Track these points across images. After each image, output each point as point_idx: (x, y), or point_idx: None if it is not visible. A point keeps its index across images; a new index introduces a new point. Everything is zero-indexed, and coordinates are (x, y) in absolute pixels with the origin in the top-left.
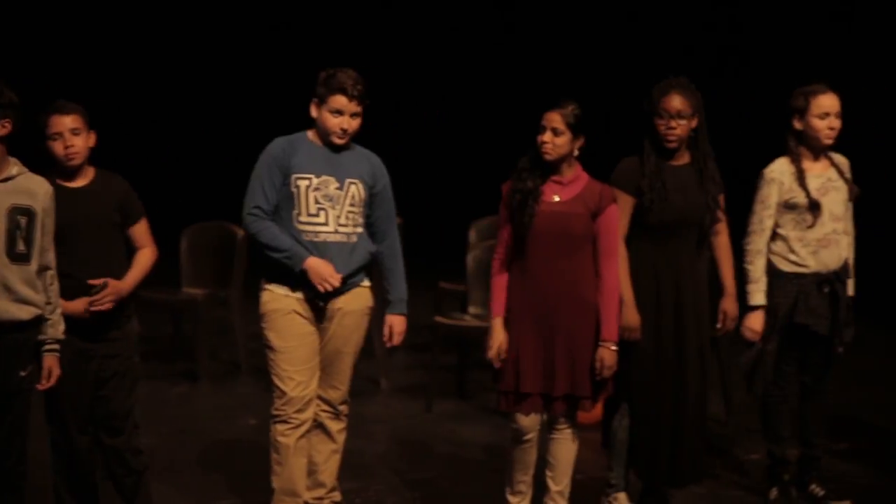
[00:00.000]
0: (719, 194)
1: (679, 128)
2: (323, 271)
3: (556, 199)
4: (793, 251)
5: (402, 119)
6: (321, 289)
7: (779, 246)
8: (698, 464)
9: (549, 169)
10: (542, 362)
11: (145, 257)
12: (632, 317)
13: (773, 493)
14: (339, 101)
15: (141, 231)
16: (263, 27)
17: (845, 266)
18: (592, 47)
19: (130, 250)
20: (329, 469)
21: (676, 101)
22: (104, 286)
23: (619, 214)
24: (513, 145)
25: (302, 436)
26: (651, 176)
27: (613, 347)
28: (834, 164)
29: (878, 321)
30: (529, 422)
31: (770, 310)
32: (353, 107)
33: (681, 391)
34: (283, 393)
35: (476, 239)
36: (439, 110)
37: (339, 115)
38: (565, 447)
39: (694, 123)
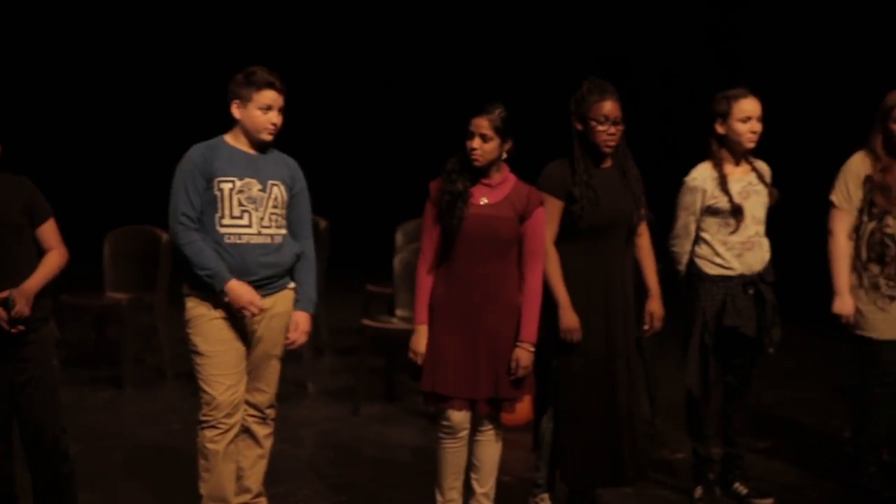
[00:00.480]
0: (642, 193)
1: (617, 133)
2: (244, 297)
3: (485, 201)
4: (718, 255)
5: (328, 122)
6: (242, 314)
7: (704, 250)
8: (641, 461)
9: (478, 171)
10: (466, 364)
11: (52, 259)
12: (570, 318)
13: (698, 491)
14: (269, 95)
15: (48, 231)
16: (176, 28)
17: (769, 268)
18: (517, 50)
19: (42, 253)
20: (255, 474)
21: (613, 107)
22: (9, 299)
23: (545, 217)
24: (439, 148)
25: (231, 441)
26: (583, 181)
27: (531, 349)
28: (755, 169)
29: (797, 321)
30: (460, 418)
31: (697, 312)
32: (281, 101)
33: (612, 392)
34: (212, 398)
35: (403, 242)
36: (366, 113)
37: (269, 110)
38: (490, 449)
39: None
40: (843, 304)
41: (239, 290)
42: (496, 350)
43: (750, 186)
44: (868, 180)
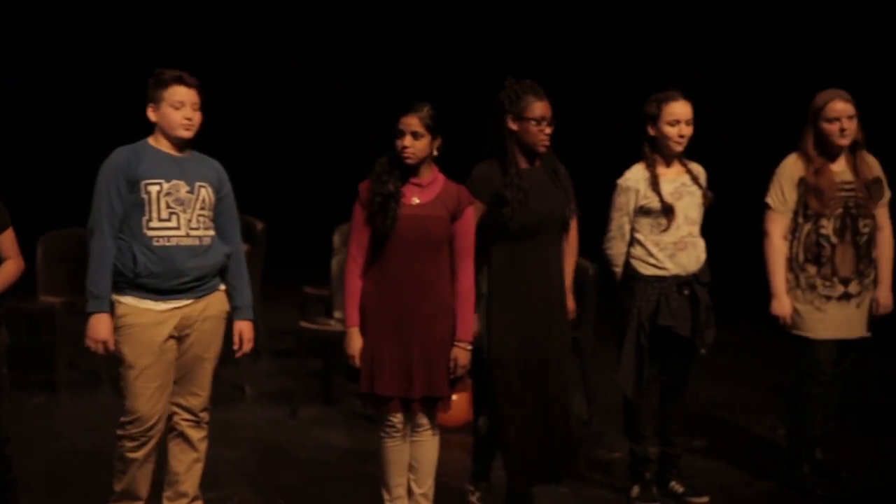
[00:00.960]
0: (572, 190)
1: (550, 133)
2: (100, 334)
3: (416, 201)
4: (651, 255)
5: (264, 124)
6: (89, 346)
7: (638, 251)
8: (575, 459)
9: (408, 171)
10: (401, 365)
11: (9, 268)
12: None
13: (635, 490)
14: (178, 91)
15: (6, 241)
16: (109, 30)
17: (704, 268)
18: (445, 49)
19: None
20: (191, 478)
21: (547, 107)
22: None
23: (474, 215)
24: (375, 148)
25: (151, 449)
26: (514, 183)
27: (468, 347)
28: (688, 171)
29: (733, 321)
30: (399, 418)
31: (632, 313)
32: (194, 96)
33: (545, 391)
34: (135, 410)
35: (340, 243)
36: (302, 114)
37: (182, 106)
38: (427, 449)
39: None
40: (781, 305)
41: (100, 325)
42: (430, 350)
43: (683, 188)
44: (802, 182)
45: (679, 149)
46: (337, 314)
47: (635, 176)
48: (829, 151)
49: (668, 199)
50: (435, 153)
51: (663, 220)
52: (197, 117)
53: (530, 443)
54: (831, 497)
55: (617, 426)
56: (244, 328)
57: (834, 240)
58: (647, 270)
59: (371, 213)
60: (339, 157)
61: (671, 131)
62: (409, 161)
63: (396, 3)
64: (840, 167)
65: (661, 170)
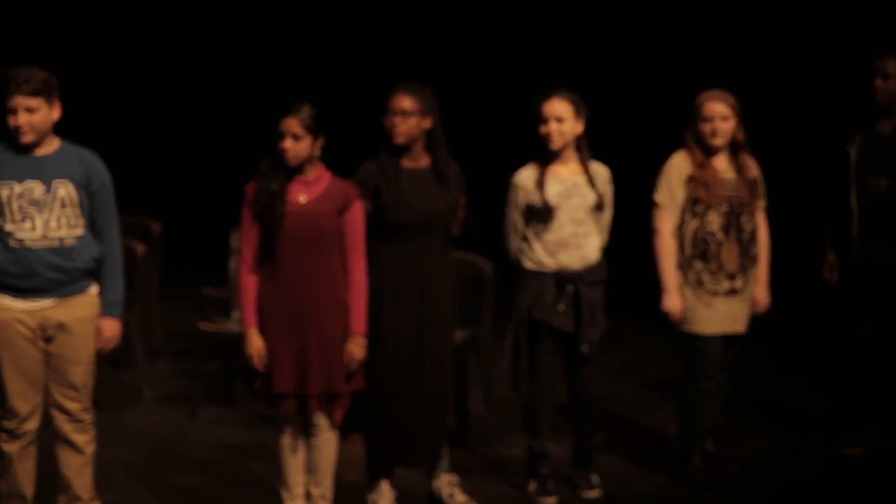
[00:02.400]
0: (461, 196)
1: (404, 124)
2: None
3: (303, 198)
4: (533, 251)
5: (160, 122)
6: None
7: (524, 246)
8: (434, 443)
9: (293, 169)
10: (297, 362)
11: None
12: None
13: (532, 486)
14: (11, 98)
15: None
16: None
17: (595, 267)
18: (333, 49)
19: None
20: (83, 483)
21: (402, 100)
22: None
23: (363, 210)
24: (273, 148)
25: (29, 444)
26: (386, 177)
27: (362, 342)
28: (586, 171)
29: (624, 317)
30: (296, 416)
31: (515, 307)
32: (26, 101)
33: (417, 386)
34: (9, 406)
35: (238, 244)
36: (198, 113)
37: (14, 112)
38: (325, 449)
39: (426, 124)
40: (672, 301)
41: None
42: (326, 346)
43: (574, 188)
44: (690, 179)
45: (555, 146)
46: (235, 315)
47: (524, 174)
48: (707, 150)
49: (553, 198)
50: (317, 153)
51: (545, 218)
52: (30, 120)
53: (394, 425)
54: (722, 489)
55: (515, 423)
56: (105, 325)
57: (720, 236)
58: (528, 265)
59: (258, 213)
60: (238, 156)
61: (544, 129)
62: (291, 163)
63: (292, 2)
64: (722, 165)
65: (556, 168)
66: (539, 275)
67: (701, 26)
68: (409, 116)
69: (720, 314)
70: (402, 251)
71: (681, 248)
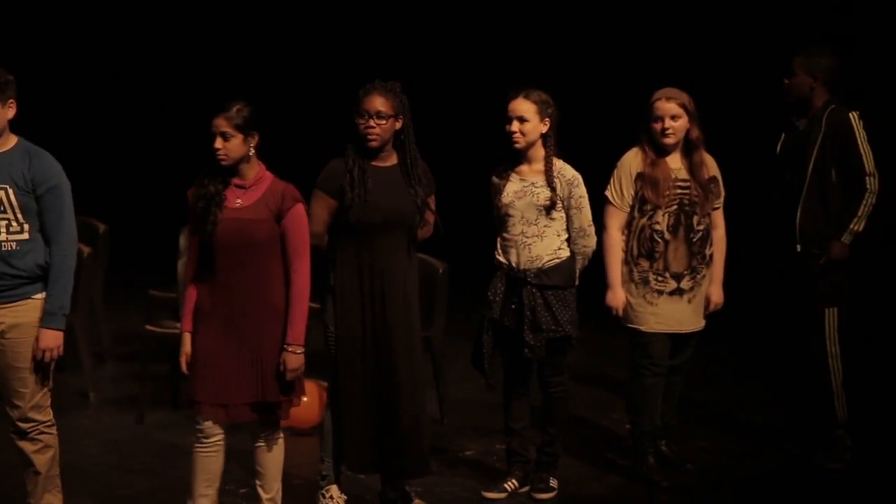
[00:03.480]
0: (429, 196)
1: (378, 128)
2: None
3: (239, 203)
4: (496, 247)
5: (109, 122)
6: None
7: (497, 243)
8: (423, 458)
9: (231, 172)
10: (227, 370)
11: None
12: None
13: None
14: None
15: None
16: None
17: (550, 270)
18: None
19: None
20: (37, 494)
21: (376, 102)
22: None
23: (307, 214)
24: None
25: None
26: (352, 177)
27: (298, 351)
28: (546, 171)
29: (585, 318)
30: (212, 424)
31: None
32: None
33: (390, 389)
34: None
35: (185, 245)
36: (146, 113)
37: None
38: (269, 454)
39: (398, 125)
40: (615, 296)
41: None
42: (261, 354)
43: (531, 187)
44: (639, 176)
45: (516, 146)
46: None
47: (497, 172)
48: (659, 148)
49: (509, 197)
50: (252, 152)
51: (504, 216)
52: None
53: (363, 430)
54: (676, 488)
55: (470, 424)
56: (44, 337)
57: (667, 235)
58: (496, 261)
59: (196, 219)
60: (187, 156)
61: (508, 128)
62: (223, 163)
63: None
64: (676, 164)
65: (522, 168)
66: (497, 272)
67: (676, 25)
68: (383, 119)
69: (665, 313)
70: (366, 251)
71: (628, 245)
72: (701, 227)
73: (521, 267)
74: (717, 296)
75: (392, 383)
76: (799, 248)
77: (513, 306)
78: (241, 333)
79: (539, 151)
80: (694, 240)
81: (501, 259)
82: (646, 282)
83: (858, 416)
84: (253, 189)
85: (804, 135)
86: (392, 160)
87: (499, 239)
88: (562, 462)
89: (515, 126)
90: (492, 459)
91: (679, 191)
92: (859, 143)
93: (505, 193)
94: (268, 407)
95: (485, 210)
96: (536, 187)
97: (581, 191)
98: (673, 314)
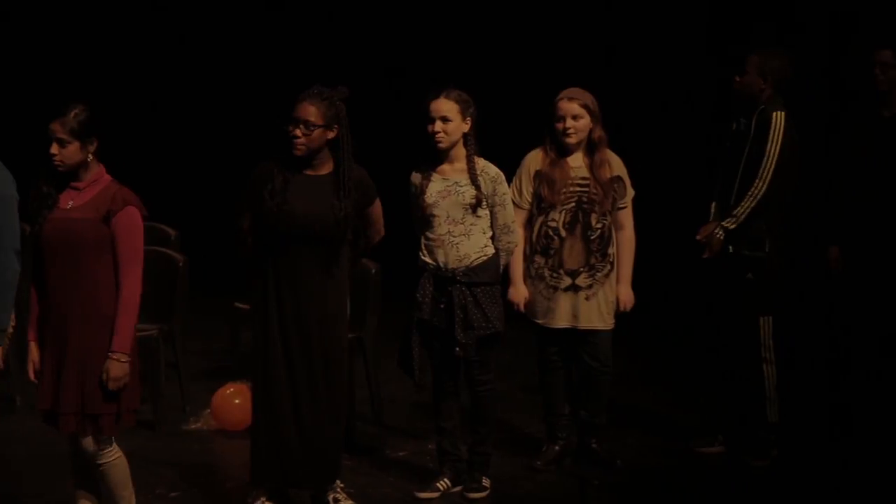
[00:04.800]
0: (365, 206)
1: (304, 137)
2: None
3: (71, 204)
4: (421, 248)
5: (24, 126)
6: None
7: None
8: (331, 465)
9: (69, 175)
10: (53, 377)
11: None
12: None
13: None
14: None
15: None
16: None
17: (475, 268)
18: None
19: None
20: None
21: (306, 111)
22: None
23: (139, 219)
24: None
25: None
26: (274, 184)
27: (123, 359)
28: (470, 170)
29: (510, 319)
30: (71, 436)
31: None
32: None
33: (299, 402)
34: None
35: None
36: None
37: None
38: (103, 472)
39: (330, 135)
40: (517, 292)
41: None
42: (85, 363)
43: (455, 186)
44: (538, 175)
45: (440, 146)
46: None
47: (416, 172)
48: (562, 148)
49: (433, 197)
50: (90, 158)
51: (427, 216)
52: None
53: (280, 445)
54: (607, 485)
55: (403, 424)
56: None
57: (563, 233)
58: (420, 262)
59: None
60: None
61: (430, 128)
62: (59, 169)
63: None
64: (577, 163)
65: (444, 167)
66: (423, 272)
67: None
68: (311, 128)
69: (561, 309)
70: (283, 261)
71: (528, 241)
72: (599, 226)
73: (450, 266)
74: (625, 296)
75: (302, 396)
76: (731, 248)
77: (441, 306)
78: (66, 340)
79: (461, 150)
80: (591, 238)
81: (427, 259)
82: (541, 277)
83: (786, 414)
84: (87, 190)
85: (743, 134)
86: (327, 169)
87: (422, 239)
88: (494, 461)
89: (439, 126)
90: (425, 459)
91: (577, 188)
92: (769, 144)
93: (428, 194)
94: (91, 420)
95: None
96: (461, 186)
97: (505, 188)
98: (569, 310)
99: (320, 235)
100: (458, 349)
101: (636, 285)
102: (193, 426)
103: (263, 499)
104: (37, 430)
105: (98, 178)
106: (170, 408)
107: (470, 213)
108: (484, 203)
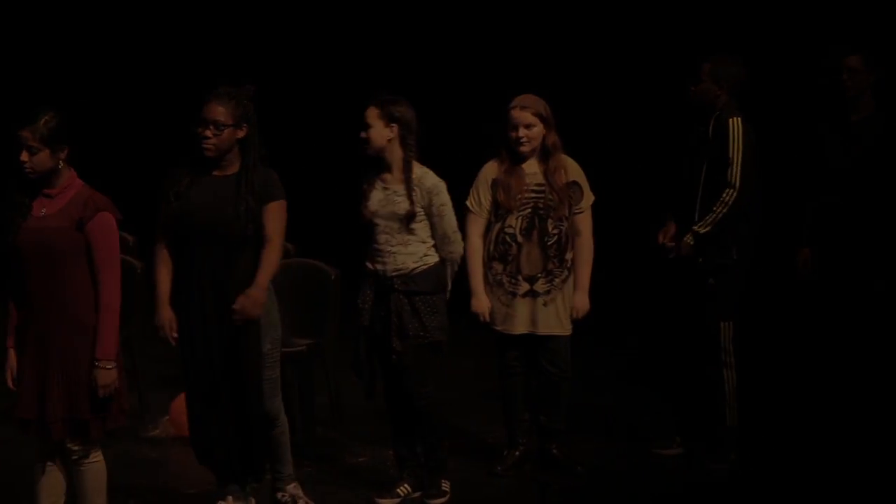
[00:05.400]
0: (265, 203)
1: (214, 138)
2: None
3: (44, 212)
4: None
5: None
6: None
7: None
8: (255, 463)
9: (41, 182)
10: (38, 386)
11: None
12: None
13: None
14: None
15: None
16: None
17: (414, 277)
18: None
19: None
20: None
21: (214, 111)
22: None
23: (112, 224)
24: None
25: None
26: (178, 187)
27: (108, 366)
28: (405, 180)
29: (472, 322)
30: (41, 441)
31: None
32: None
33: (216, 399)
34: None
35: None
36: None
37: None
38: (86, 476)
39: (240, 134)
40: (479, 302)
41: None
42: (68, 369)
43: (393, 195)
44: (494, 182)
45: (369, 153)
46: None
47: (365, 179)
48: (516, 156)
49: (374, 205)
50: (61, 164)
51: (371, 224)
52: None
53: (207, 437)
54: (567, 489)
55: (363, 430)
56: None
57: (520, 239)
58: (364, 269)
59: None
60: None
61: (362, 134)
62: (30, 176)
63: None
64: (532, 169)
65: (387, 175)
66: (367, 280)
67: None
68: (221, 129)
69: (520, 315)
70: (191, 261)
71: (486, 250)
72: (556, 231)
73: (388, 274)
74: (580, 302)
75: (210, 396)
76: (700, 259)
77: (382, 313)
78: (46, 348)
79: (395, 157)
80: (549, 243)
81: (370, 266)
82: (500, 284)
83: (746, 419)
84: (59, 198)
85: (700, 142)
86: (234, 169)
87: (369, 246)
88: (455, 466)
89: (364, 134)
90: (385, 465)
91: (533, 195)
92: (731, 150)
93: (371, 202)
94: (79, 425)
95: None
96: (397, 196)
97: (441, 199)
98: (527, 316)
99: (221, 234)
100: (394, 357)
101: (599, 288)
102: (152, 433)
103: (230, 498)
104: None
105: (70, 184)
106: (127, 415)
107: (405, 223)
108: (418, 215)
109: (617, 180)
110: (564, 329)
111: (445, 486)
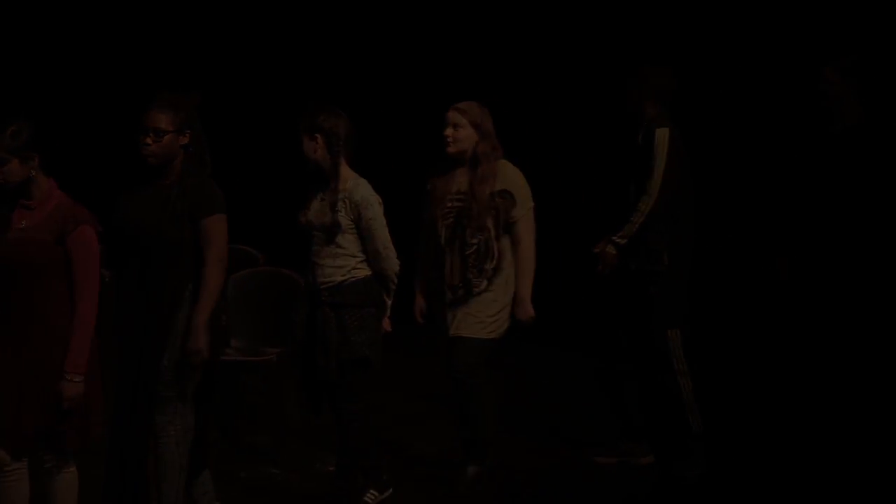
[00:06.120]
0: (204, 215)
1: (155, 145)
2: None
3: (24, 224)
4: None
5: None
6: None
7: None
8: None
9: (19, 192)
10: (8, 398)
11: None
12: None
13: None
14: None
15: None
16: None
17: (342, 290)
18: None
19: None
20: None
21: (155, 118)
22: None
23: (93, 237)
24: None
25: None
26: (122, 198)
27: (76, 379)
28: (338, 189)
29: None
30: (5, 455)
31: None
32: None
33: (129, 414)
34: None
35: None
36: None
37: None
38: (57, 486)
39: (183, 140)
40: (416, 304)
41: None
42: (42, 381)
43: (325, 207)
44: (430, 189)
45: (309, 166)
46: None
47: (311, 188)
48: (451, 160)
49: (309, 215)
50: (33, 173)
51: (309, 233)
52: None
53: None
54: (506, 494)
55: (331, 440)
56: None
57: (446, 248)
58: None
59: None
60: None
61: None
62: (3, 186)
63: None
64: (462, 177)
65: (327, 187)
66: (303, 293)
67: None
68: (162, 136)
69: (452, 320)
70: (123, 273)
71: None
72: (475, 241)
73: (317, 286)
74: (523, 314)
75: (128, 410)
76: (633, 266)
77: (300, 321)
78: (22, 359)
79: (327, 168)
80: (467, 253)
81: (307, 278)
82: (442, 291)
83: (713, 425)
84: (38, 209)
85: (632, 152)
86: (172, 177)
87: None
88: (409, 485)
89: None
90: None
91: (456, 204)
92: (654, 159)
93: (310, 210)
94: (53, 435)
95: None
96: (324, 206)
97: (371, 213)
98: (451, 320)
99: (147, 245)
100: (318, 372)
101: (553, 291)
102: None
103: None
104: None
105: (49, 195)
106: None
107: (331, 235)
108: (345, 227)
109: (568, 188)
110: (472, 332)
111: (371, 497)
